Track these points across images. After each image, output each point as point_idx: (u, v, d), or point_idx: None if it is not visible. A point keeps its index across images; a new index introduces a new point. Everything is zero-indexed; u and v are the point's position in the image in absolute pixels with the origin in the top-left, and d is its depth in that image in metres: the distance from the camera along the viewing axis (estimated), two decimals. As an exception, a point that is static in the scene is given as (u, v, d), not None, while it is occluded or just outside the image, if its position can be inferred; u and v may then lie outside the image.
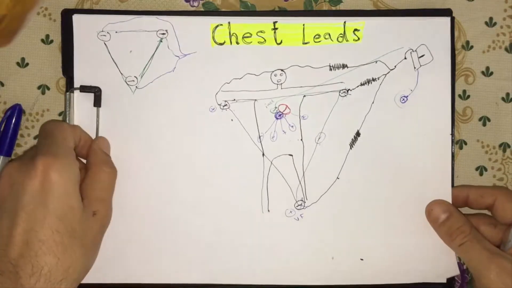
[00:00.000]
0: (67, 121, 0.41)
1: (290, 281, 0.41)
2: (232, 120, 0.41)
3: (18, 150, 0.42)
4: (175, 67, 0.41)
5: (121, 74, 0.41)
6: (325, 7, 0.42)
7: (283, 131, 0.41)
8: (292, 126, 0.41)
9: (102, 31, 0.40)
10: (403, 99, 0.41)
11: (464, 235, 0.38)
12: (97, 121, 0.40)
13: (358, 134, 0.41)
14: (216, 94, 0.41)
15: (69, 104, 0.41)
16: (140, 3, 0.42)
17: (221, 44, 0.41)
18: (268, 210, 0.41)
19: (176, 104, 0.41)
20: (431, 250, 0.41)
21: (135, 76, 0.41)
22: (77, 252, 0.34)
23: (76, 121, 0.41)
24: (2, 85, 0.42)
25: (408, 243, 0.41)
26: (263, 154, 0.41)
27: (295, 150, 0.41)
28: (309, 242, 0.41)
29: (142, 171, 0.41)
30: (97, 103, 0.40)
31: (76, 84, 0.41)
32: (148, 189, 0.41)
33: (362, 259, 0.41)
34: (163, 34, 0.40)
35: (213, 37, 0.41)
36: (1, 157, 0.40)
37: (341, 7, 0.42)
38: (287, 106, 0.41)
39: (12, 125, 0.41)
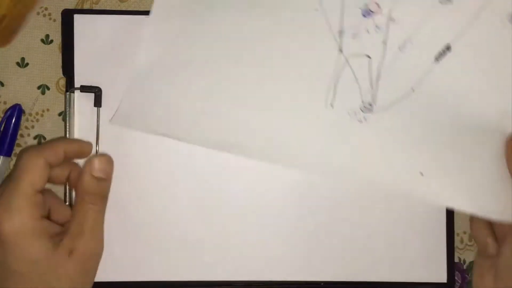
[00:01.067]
0: (67, 122, 0.40)
1: (339, 174, 0.39)
2: (316, 10, 0.39)
3: (18, 150, 0.42)
4: None
5: None
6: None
7: (367, 30, 0.38)
8: (378, 28, 0.38)
9: None
10: None
11: None
12: (98, 121, 0.40)
13: (448, 48, 0.38)
14: None
15: (69, 104, 0.41)
16: (140, 3, 0.42)
17: None
18: (332, 106, 0.39)
19: None
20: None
21: None
22: None
23: (76, 122, 0.41)
24: (2, 85, 0.42)
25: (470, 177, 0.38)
26: (340, 50, 0.39)
27: (375, 52, 0.38)
28: (368, 146, 0.39)
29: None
30: (98, 103, 0.40)
31: (77, 84, 0.41)
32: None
33: (422, 173, 0.38)
34: None
35: None
36: (1, 157, 0.41)
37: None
38: (378, 5, 0.38)
39: (12, 125, 0.41)
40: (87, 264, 0.35)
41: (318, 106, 0.39)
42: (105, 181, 0.37)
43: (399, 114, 0.38)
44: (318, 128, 0.39)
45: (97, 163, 0.36)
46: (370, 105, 0.39)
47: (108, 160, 0.37)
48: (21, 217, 0.32)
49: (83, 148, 0.39)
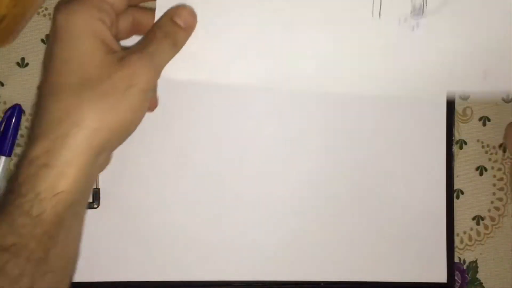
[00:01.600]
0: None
1: (410, 88, 0.37)
2: None
3: (18, 150, 0.42)
4: None
5: None
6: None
7: None
8: None
9: None
10: None
11: None
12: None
13: None
14: None
15: (69, 104, 0.41)
16: (140, 3, 0.42)
17: None
18: (380, 15, 0.36)
19: None
20: None
21: None
22: (82, 98, 0.30)
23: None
24: (2, 85, 0.42)
25: None
26: None
27: None
28: (425, 54, 0.36)
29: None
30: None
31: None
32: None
33: (485, 72, 0.36)
34: None
35: None
36: (2, 157, 0.41)
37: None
38: None
39: (12, 125, 0.41)
40: (133, 82, 0.31)
41: (365, 17, 0.36)
42: (183, 30, 0.34)
43: (454, 13, 0.36)
44: (368, 41, 0.36)
45: (180, 10, 0.34)
46: (421, 8, 0.36)
47: (191, 12, 0.35)
48: (79, 12, 0.31)
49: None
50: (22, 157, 0.30)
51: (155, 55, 0.32)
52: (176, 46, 0.34)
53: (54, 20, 0.31)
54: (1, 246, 0.28)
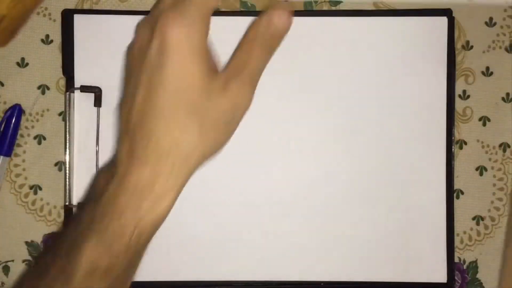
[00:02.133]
0: (67, 122, 0.41)
1: None
2: None
3: (18, 150, 0.42)
4: None
5: None
6: (325, 7, 0.42)
7: None
8: None
9: None
10: None
11: None
12: (98, 121, 0.40)
13: None
14: None
15: (69, 104, 0.41)
16: (140, 2, 0.42)
17: None
18: None
19: None
20: None
21: None
22: (191, 129, 0.30)
23: (76, 122, 0.41)
24: (2, 85, 0.42)
25: None
26: None
27: None
28: None
29: None
30: (98, 103, 0.40)
31: (77, 84, 0.41)
32: None
33: None
34: None
35: None
36: (1, 157, 0.41)
37: (341, 7, 0.42)
38: None
39: (12, 125, 0.41)
40: (237, 108, 0.32)
41: None
42: (280, 35, 0.32)
43: None
44: None
45: (280, 12, 0.32)
46: None
47: (290, 15, 0.32)
48: (193, 30, 0.30)
49: None
50: (122, 177, 0.30)
51: (255, 74, 0.32)
52: (272, 53, 0.33)
53: (165, 36, 0.30)
54: (96, 267, 0.29)
